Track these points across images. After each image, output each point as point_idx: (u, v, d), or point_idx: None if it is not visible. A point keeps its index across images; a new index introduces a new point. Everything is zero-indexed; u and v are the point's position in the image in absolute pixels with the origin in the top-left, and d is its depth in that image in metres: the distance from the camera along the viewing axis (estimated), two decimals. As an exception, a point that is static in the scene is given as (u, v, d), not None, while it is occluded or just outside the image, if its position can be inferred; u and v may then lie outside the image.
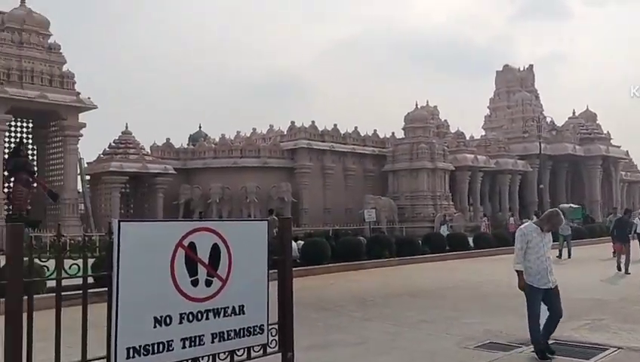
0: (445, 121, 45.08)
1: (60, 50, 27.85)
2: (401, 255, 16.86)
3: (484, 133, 48.90)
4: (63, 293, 3.54)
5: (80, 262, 3.59)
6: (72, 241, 17.20)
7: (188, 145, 35.59)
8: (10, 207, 26.08)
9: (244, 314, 4.02)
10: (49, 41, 27.83)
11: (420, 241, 18.96)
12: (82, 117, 27.59)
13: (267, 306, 4.20)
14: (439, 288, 11.40)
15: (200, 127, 40.43)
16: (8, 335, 3.15)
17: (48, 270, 3.46)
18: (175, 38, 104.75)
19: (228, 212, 31.05)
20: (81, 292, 3.59)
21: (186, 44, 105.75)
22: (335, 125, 35.95)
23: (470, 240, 21.06)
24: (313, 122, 34.89)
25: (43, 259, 3.45)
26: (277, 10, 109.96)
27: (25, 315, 3.28)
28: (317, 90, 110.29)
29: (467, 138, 42.53)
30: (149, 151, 31.57)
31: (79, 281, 3.62)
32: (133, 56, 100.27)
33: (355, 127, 37.23)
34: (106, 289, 3.50)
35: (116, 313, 3.44)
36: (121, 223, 3.54)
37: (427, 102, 43.34)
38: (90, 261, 4.70)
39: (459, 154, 38.41)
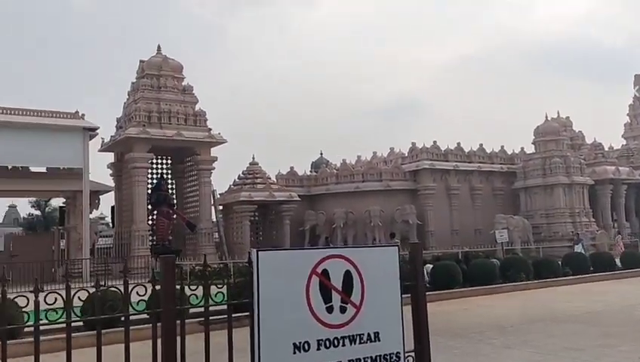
0: (580, 132, 42.07)
1: (193, 91, 30.30)
2: (539, 277, 15.87)
3: (625, 143, 44.89)
4: (198, 319, 3.79)
5: (222, 289, 3.84)
6: (209, 268, 18.34)
7: (310, 172, 36.62)
8: (154, 238, 28.52)
9: (379, 341, 4.03)
10: (183, 83, 30.41)
11: (560, 262, 17.72)
12: (214, 151, 29.66)
13: (402, 333, 4.17)
14: (585, 312, 10.54)
15: (321, 154, 41.54)
16: (165, 360, 3.44)
17: (197, 298, 3.74)
18: (294, 68, 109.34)
19: (353, 236, 31.35)
20: (220, 317, 3.82)
21: (305, 74, 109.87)
22: (458, 143, 35.10)
23: (617, 259, 19.28)
24: (435, 142, 34.34)
25: (192, 287, 3.74)
26: (394, 33, 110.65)
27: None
28: (437, 109, 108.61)
29: (606, 149, 39.28)
30: (275, 180, 32.95)
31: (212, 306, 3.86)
32: (256, 88, 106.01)
33: (480, 144, 36.05)
34: (246, 314, 3.69)
35: (258, 339, 3.61)
36: (260, 252, 3.74)
37: (558, 113, 40.78)
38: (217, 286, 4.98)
39: (597, 166, 35.55)
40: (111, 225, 33.89)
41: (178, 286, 3.77)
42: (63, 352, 3.71)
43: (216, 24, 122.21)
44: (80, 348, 5.21)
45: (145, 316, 4.28)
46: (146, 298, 3.73)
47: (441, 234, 31.91)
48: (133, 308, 3.63)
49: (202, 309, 3.83)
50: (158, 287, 3.59)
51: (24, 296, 3.43)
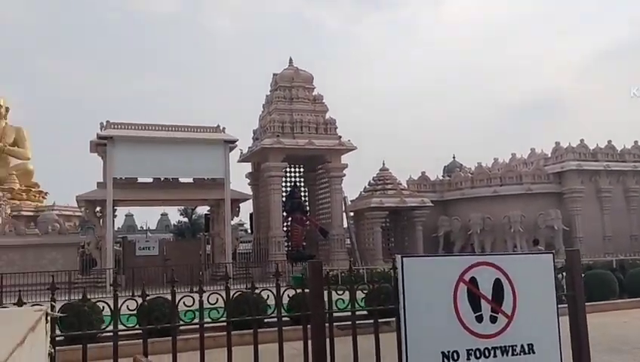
0: None
1: (323, 100, 31.15)
2: None
3: None
4: (341, 324, 3.87)
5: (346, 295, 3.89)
6: (342, 274, 18.67)
7: (443, 176, 35.82)
8: (289, 244, 29.66)
9: (534, 353, 3.84)
10: (313, 93, 31.38)
11: None
12: (344, 158, 30.18)
13: (559, 346, 3.93)
14: None
15: (454, 157, 40.45)
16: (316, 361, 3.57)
17: (344, 302, 3.83)
18: (423, 71, 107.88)
19: (490, 243, 30.07)
20: (365, 322, 3.88)
21: (435, 77, 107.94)
22: (609, 141, 32.24)
23: None
24: (582, 140, 31.84)
25: (339, 292, 3.84)
26: (526, 31, 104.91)
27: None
28: (581, 105, 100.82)
29: None
30: (406, 185, 32.69)
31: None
32: (385, 93, 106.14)
33: (635, 142, 32.81)
34: (386, 320, 3.71)
35: (405, 346, 3.62)
36: (404, 258, 3.74)
37: None
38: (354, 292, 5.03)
39: None
40: (249, 231, 35.86)
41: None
42: (215, 349, 4.03)
43: (344, 31, 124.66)
44: (236, 346, 5.54)
45: (286, 318, 4.46)
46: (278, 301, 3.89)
47: (592, 241, 29.43)
48: (286, 311, 3.82)
49: (343, 314, 3.93)
50: (286, 291, 3.75)
51: (190, 296, 3.75)
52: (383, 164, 32.75)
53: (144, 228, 58.25)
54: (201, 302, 3.54)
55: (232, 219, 27.64)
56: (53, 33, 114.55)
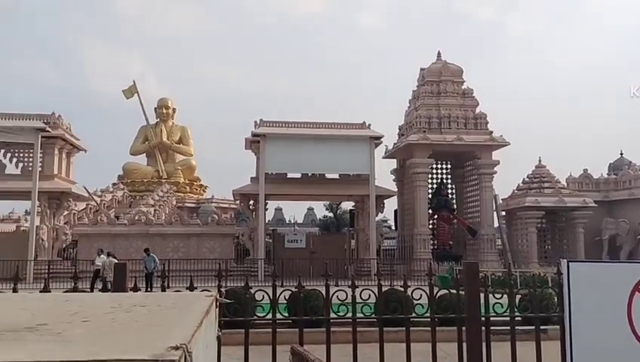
0: None
1: (473, 94, 30.07)
2: None
3: None
4: (496, 328, 3.68)
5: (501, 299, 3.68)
6: (493, 276, 17.88)
7: (608, 174, 32.76)
8: (435, 242, 29.12)
9: None
10: (462, 87, 30.42)
11: None
12: (495, 154, 28.86)
13: None
14: None
15: (621, 154, 36.71)
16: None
17: (502, 307, 3.67)
18: (580, 61, 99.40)
19: (665, 250, 26.92)
20: (525, 328, 3.67)
21: (593, 65, 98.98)
22: None
23: None
24: None
25: (497, 296, 3.68)
26: None
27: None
28: None
29: None
30: (565, 183, 30.43)
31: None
32: (538, 85, 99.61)
33: None
34: (542, 328, 3.48)
35: (570, 358, 3.37)
36: (570, 263, 3.49)
37: None
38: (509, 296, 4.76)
39: None
40: (393, 227, 35.84)
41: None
42: (362, 344, 4.07)
43: (494, 22, 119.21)
44: (372, 342, 5.59)
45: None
46: (422, 302, 3.81)
47: None
48: (439, 313, 3.75)
49: (499, 318, 3.75)
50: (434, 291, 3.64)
51: (343, 290, 3.83)
52: (540, 160, 30.80)
53: (292, 222, 60.87)
54: (353, 297, 3.61)
55: (377, 215, 27.83)
56: (214, 38, 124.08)
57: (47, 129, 24.88)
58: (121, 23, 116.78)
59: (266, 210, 27.67)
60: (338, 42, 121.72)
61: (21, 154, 25.90)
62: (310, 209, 64.79)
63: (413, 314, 3.94)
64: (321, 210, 59.40)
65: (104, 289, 15.85)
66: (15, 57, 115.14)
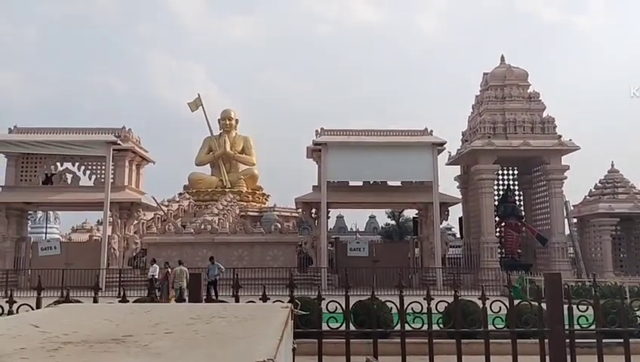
0: None
1: (539, 98, 29.08)
2: None
3: None
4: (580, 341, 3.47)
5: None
6: (566, 286, 17.13)
7: (690, 178, 30.81)
8: (502, 250, 28.24)
9: None
10: (528, 90, 29.47)
11: None
12: (565, 159, 27.74)
13: None
14: None
15: None
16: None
17: (588, 320, 3.46)
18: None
19: None
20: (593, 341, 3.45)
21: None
22: None
23: None
24: None
25: (582, 308, 3.49)
26: None
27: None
28: None
29: None
30: (641, 188, 28.86)
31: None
32: (611, 86, 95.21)
33: None
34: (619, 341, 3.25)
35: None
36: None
37: None
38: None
39: None
40: (458, 235, 35.04)
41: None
42: (426, 356, 3.94)
43: (562, 21, 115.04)
44: (441, 355, 5.44)
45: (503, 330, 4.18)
46: (502, 314, 3.64)
47: None
48: (518, 326, 3.58)
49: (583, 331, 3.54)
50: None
51: (418, 302, 3.74)
52: (612, 164, 29.36)
53: (353, 230, 60.66)
54: (429, 309, 3.50)
55: (441, 223, 27.30)
56: (274, 48, 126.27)
57: (118, 142, 25.97)
58: (185, 35, 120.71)
59: (328, 218, 27.72)
60: (397, 48, 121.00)
61: (94, 167, 27.10)
62: (372, 217, 64.35)
63: (492, 328, 3.78)
64: (383, 217, 58.99)
65: (179, 299, 16.28)
66: (88, 72, 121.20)
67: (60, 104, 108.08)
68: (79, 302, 4.85)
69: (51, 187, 26.98)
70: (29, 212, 30.32)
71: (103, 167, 26.22)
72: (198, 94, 45.66)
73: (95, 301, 3.79)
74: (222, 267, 21.09)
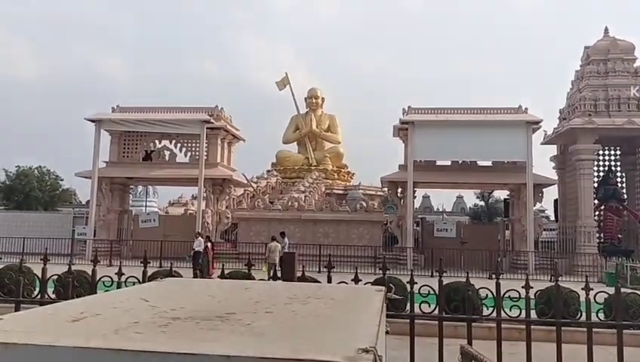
0: None
1: (647, 73, 26.86)
2: None
3: None
4: None
5: None
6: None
7: None
8: (601, 235, 26.67)
9: None
10: (634, 65, 27.30)
11: None
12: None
13: None
14: None
15: None
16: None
17: None
18: None
19: None
20: None
21: None
22: None
23: None
24: None
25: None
26: None
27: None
28: None
29: None
30: None
31: None
32: None
33: None
34: None
35: None
36: None
37: None
38: None
39: None
40: (553, 218, 33.47)
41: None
42: (519, 342, 3.78)
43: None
44: (535, 341, 5.24)
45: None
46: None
47: None
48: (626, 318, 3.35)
49: None
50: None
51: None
52: None
53: (440, 210, 59.65)
54: (527, 299, 3.36)
55: (534, 205, 26.15)
56: (360, 27, 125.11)
57: (212, 121, 26.93)
58: (274, 16, 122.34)
59: (414, 197, 27.36)
60: (490, 24, 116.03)
61: (189, 144, 28.32)
62: (459, 197, 62.99)
63: (596, 320, 3.57)
64: (471, 198, 57.56)
65: (274, 277, 16.64)
66: (183, 57, 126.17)
67: (158, 86, 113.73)
68: (180, 275, 5.10)
69: (150, 163, 28.53)
70: (131, 186, 32.36)
71: (198, 145, 27.31)
72: (286, 73, 46.17)
73: (196, 276, 3.95)
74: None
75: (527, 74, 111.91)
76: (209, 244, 20.36)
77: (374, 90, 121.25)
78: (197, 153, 27.47)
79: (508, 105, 26.48)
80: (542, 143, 29.81)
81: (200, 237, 21.02)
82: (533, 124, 25.26)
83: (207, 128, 26.72)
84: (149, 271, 4.38)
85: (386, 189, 30.37)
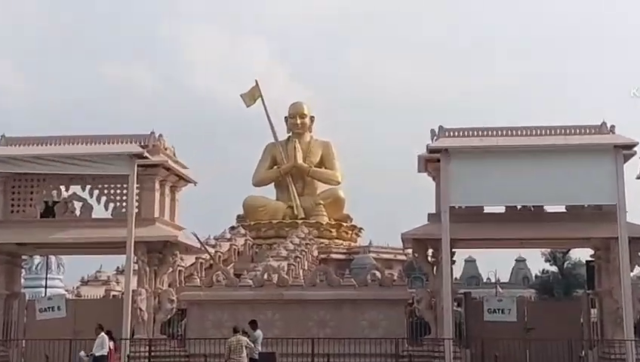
0: None
1: None
2: None
3: None
4: None
5: None
6: None
7: None
8: None
9: None
10: None
11: None
12: None
13: None
14: None
15: None
16: None
17: None
18: None
19: None
20: None
21: None
22: None
23: None
24: None
25: None
26: None
27: None
28: None
29: None
30: None
31: None
32: None
33: None
34: None
35: None
36: None
37: None
38: None
39: None
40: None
41: None
42: None
43: None
44: None
45: None
46: None
47: None
48: None
49: None
50: None
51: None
52: None
53: (492, 280, 59.66)
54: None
55: (632, 270, 26.26)
56: (364, 16, 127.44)
57: (145, 155, 26.99)
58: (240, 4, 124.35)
59: (453, 262, 27.38)
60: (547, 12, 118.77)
61: (112, 191, 28.21)
62: (520, 261, 63.14)
63: None
64: (537, 261, 57.60)
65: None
66: (102, 62, 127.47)
67: (63, 106, 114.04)
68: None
69: (53, 221, 28.39)
70: (23, 257, 32.06)
71: (125, 192, 27.27)
72: (256, 81, 46.87)
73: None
74: (260, 335, 21.20)
75: (607, 85, 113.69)
76: (111, 344, 20.16)
77: (388, 104, 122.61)
78: (124, 204, 27.44)
79: (584, 123, 26.83)
80: (638, 177, 30.08)
81: (103, 333, 20.80)
82: (625, 149, 25.54)
83: (138, 166, 26.73)
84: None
85: (409, 251, 30.40)
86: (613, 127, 26.42)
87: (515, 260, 63.14)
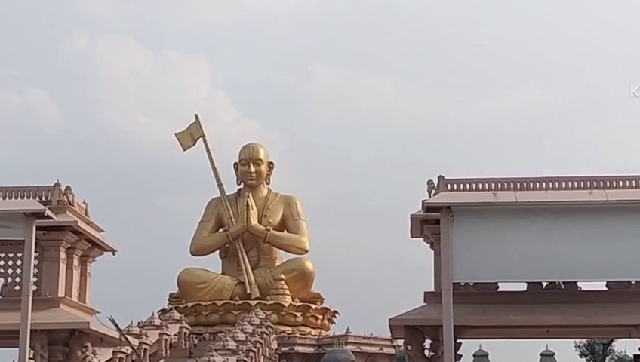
0: None
1: None
2: None
3: None
4: None
5: None
6: None
7: None
8: None
9: None
10: None
11: None
12: None
13: None
14: None
15: None
16: None
17: None
18: None
19: None
20: None
21: None
22: None
23: None
24: None
25: None
26: None
27: None
28: None
29: None
30: None
31: None
32: None
33: None
34: None
35: None
36: None
37: None
38: None
39: None
40: None
41: None
42: None
43: None
44: None
45: None
46: None
47: None
48: None
49: None
50: None
51: None
52: None
53: (509, 382, 59.86)
54: None
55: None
56: (336, 23, 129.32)
57: (47, 213, 26.93)
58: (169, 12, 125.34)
59: (458, 357, 27.57)
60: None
61: (1, 262, 28.09)
62: (547, 355, 63.39)
63: None
64: (570, 355, 58.00)
65: None
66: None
67: None
68: None
69: None
70: None
71: (19, 263, 27.17)
72: (196, 116, 47.13)
73: None
74: None
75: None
76: None
77: (368, 140, 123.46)
78: (17, 280, 27.33)
79: (628, 172, 27.32)
80: None
81: None
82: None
83: (38, 229, 26.66)
84: None
85: (400, 343, 30.51)
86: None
87: (541, 355, 63.40)
